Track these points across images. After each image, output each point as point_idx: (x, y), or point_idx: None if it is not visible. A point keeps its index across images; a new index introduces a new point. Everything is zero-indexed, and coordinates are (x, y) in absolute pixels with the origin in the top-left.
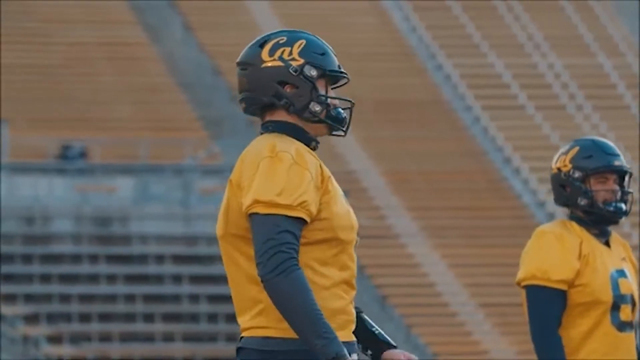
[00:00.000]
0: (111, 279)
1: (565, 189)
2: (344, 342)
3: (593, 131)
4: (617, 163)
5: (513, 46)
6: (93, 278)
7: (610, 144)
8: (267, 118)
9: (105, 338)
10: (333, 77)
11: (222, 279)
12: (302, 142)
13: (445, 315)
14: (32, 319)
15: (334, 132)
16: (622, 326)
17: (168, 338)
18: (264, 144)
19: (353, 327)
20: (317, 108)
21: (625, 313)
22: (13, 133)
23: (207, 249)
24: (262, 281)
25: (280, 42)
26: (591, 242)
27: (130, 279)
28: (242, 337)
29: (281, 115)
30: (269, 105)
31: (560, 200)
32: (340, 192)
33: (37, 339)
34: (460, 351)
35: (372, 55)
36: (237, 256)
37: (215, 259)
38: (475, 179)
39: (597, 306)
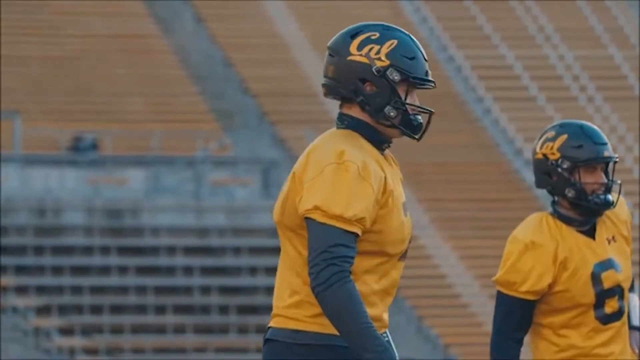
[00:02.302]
0: (122, 270)
1: (551, 177)
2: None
3: (604, 123)
4: (606, 154)
5: (524, 38)
6: (104, 270)
7: (598, 130)
8: (345, 110)
9: (116, 330)
10: (418, 83)
11: (233, 271)
12: (374, 143)
13: (456, 306)
14: (43, 310)
15: (408, 135)
16: (608, 319)
17: (179, 330)
18: (334, 147)
19: (381, 332)
20: (392, 113)
21: (610, 306)
22: (26, 125)
23: (219, 240)
24: (313, 292)
25: (372, 37)
26: (569, 241)
27: (142, 270)
28: (269, 328)
29: (356, 112)
30: (347, 98)
31: (543, 186)
32: (400, 203)
33: (49, 331)
34: (471, 342)
35: None
36: (287, 245)
37: (227, 250)
38: (486, 170)
39: (577, 308)
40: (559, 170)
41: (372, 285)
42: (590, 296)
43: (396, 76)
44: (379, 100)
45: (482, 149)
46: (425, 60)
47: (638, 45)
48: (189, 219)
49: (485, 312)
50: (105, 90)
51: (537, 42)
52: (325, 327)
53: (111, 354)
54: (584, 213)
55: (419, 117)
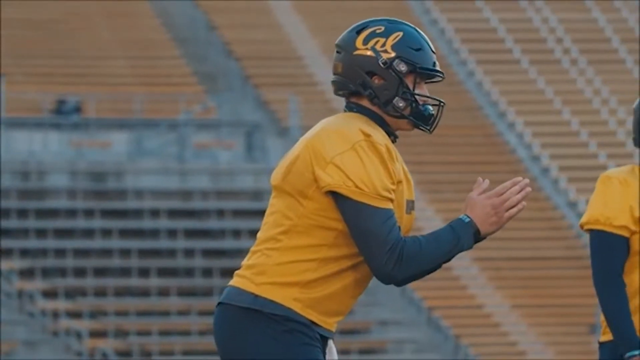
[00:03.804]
0: (106, 233)
1: None
2: (328, 331)
3: (588, 86)
4: None
5: (508, 1)
6: (88, 233)
7: None
8: (353, 100)
9: (100, 293)
10: (426, 74)
11: (217, 234)
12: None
13: (440, 269)
14: (27, 273)
15: (420, 127)
16: None
17: (163, 292)
18: (358, 126)
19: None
20: (401, 104)
21: None
22: (9, 88)
23: (202, 203)
24: (388, 277)
25: (377, 31)
26: None
27: (126, 233)
28: (228, 286)
29: (365, 103)
30: (355, 92)
31: None
32: (404, 198)
33: (33, 294)
34: (455, 305)
35: (366, 9)
36: (277, 208)
37: (210, 213)
38: (470, 133)
39: None
40: None
41: (355, 275)
42: None
43: (403, 67)
44: (387, 92)
45: (466, 112)
46: (433, 52)
47: (622, 9)
48: (172, 182)
49: (468, 274)
50: (88, 54)
51: (521, 5)
52: (283, 297)
53: (95, 317)
54: None
55: (430, 107)
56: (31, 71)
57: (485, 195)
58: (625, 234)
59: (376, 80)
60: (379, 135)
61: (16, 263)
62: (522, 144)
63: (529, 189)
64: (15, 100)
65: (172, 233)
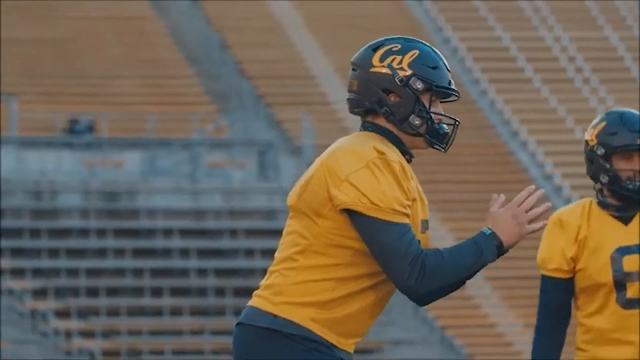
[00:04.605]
0: (119, 253)
1: (592, 163)
2: (346, 352)
3: (601, 105)
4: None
5: (520, 19)
6: (101, 252)
7: (638, 118)
8: (369, 119)
9: (113, 312)
10: (441, 93)
11: (229, 253)
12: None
13: None
14: (40, 293)
15: (434, 146)
16: (629, 304)
17: (176, 312)
18: (373, 145)
19: (358, 339)
20: (417, 122)
21: (632, 290)
22: (21, 107)
23: (215, 222)
24: (412, 291)
25: (394, 49)
26: (595, 222)
27: (138, 253)
28: (247, 306)
29: (381, 122)
30: (371, 110)
31: (588, 173)
32: (418, 217)
33: (45, 313)
34: (468, 324)
35: (379, 28)
36: (294, 230)
37: (223, 232)
38: (482, 152)
39: (599, 288)
40: (596, 156)
41: (375, 295)
42: (607, 276)
43: (419, 85)
44: (403, 109)
45: (478, 131)
46: (449, 71)
47: (633, 26)
48: (185, 201)
49: (482, 293)
50: (100, 73)
51: (533, 23)
52: (301, 317)
53: (107, 336)
54: (621, 199)
55: (445, 126)
56: (43, 90)
57: (505, 207)
58: (560, 275)
59: (392, 98)
60: (393, 154)
61: (29, 283)
62: (534, 163)
63: (549, 203)
64: (28, 120)
65: (184, 252)
